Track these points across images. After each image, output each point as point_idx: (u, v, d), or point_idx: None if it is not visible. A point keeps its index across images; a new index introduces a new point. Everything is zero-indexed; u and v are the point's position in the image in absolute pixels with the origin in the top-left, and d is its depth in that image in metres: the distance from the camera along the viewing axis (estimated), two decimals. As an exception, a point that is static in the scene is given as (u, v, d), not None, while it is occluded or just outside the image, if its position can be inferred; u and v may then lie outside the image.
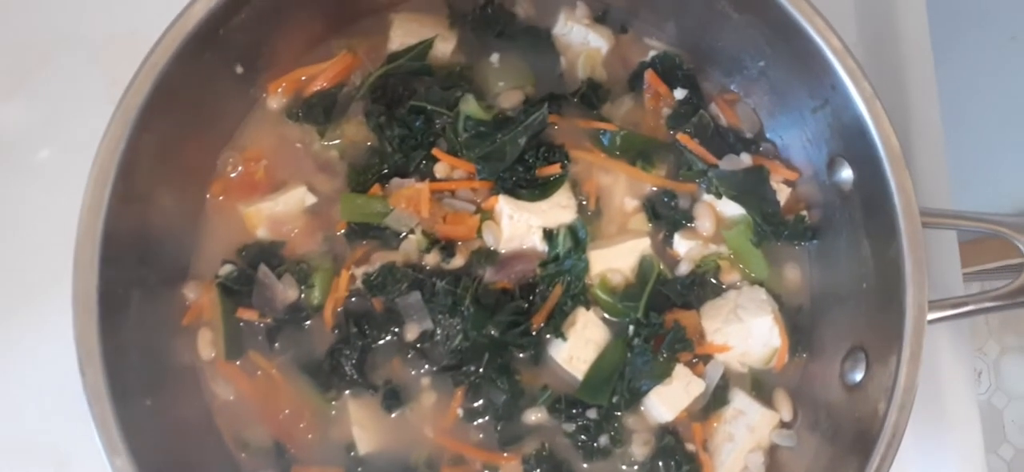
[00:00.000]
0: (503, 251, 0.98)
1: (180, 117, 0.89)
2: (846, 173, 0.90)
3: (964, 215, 0.86)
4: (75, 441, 1.02)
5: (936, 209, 0.85)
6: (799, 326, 0.99)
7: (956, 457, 1.06)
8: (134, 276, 0.88)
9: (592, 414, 0.95)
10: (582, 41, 1.02)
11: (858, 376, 0.89)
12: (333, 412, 0.96)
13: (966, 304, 0.86)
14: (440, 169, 0.97)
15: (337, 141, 1.00)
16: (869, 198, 0.87)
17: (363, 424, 0.95)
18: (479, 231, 0.97)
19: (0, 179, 1.09)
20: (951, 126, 1.09)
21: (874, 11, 1.12)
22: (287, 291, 0.95)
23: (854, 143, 0.87)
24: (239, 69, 0.94)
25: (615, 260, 0.98)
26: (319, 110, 0.99)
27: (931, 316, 0.82)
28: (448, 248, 0.97)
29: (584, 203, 0.99)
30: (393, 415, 0.96)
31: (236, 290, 0.96)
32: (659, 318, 0.96)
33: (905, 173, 0.82)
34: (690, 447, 0.96)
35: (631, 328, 0.96)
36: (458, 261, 0.97)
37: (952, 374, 1.07)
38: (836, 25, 0.85)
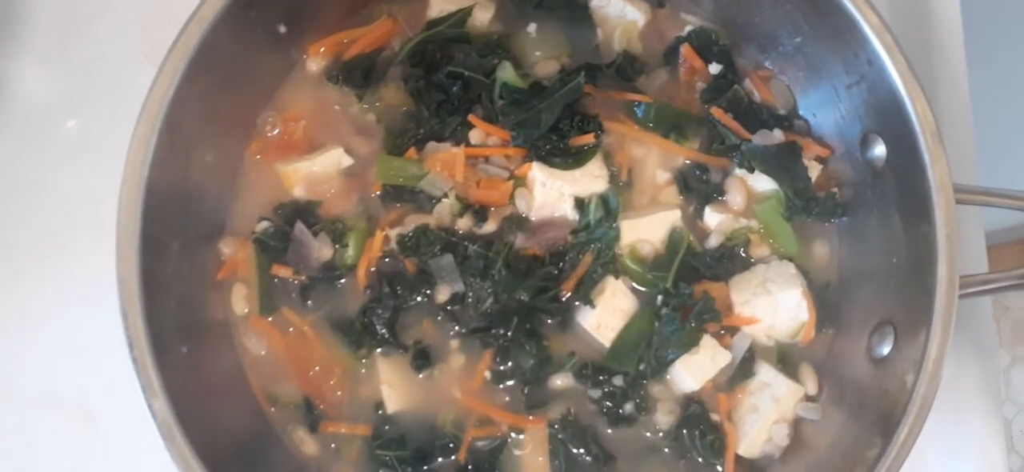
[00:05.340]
0: (534, 218, 0.98)
1: (223, 74, 0.90)
2: (879, 149, 0.91)
3: (995, 192, 0.86)
4: (102, 398, 1.04)
5: (968, 186, 0.85)
6: (827, 302, 0.99)
7: (976, 447, 1.08)
8: (174, 227, 0.89)
9: (618, 381, 0.96)
10: (619, 14, 1.03)
11: (886, 350, 0.89)
12: (363, 370, 0.97)
13: (995, 281, 0.86)
14: (475, 135, 0.98)
15: (375, 104, 1.01)
16: (902, 174, 0.88)
17: (392, 383, 0.96)
18: (512, 197, 0.98)
19: (28, 145, 1.10)
20: (979, 105, 1.09)
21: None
22: (322, 249, 0.96)
23: (889, 119, 0.87)
24: (282, 29, 0.96)
25: (645, 231, 0.98)
26: (358, 74, 1.00)
27: (961, 291, 0.83)
28: (481, 213, 0.98)
29: (616, 173, 1.00)
30: (422, 375, 0.97)
31: (272, 246, 0.97)
32: (688, 289, 0.96)
33: (940, 149, 0.83)
34: (715, 417, 0.97)
35: (659, 298, 0.97)
36: (490, 226, 0.98)
37: (974, 362, 1.07)
38: (868, 3, 0.85)
